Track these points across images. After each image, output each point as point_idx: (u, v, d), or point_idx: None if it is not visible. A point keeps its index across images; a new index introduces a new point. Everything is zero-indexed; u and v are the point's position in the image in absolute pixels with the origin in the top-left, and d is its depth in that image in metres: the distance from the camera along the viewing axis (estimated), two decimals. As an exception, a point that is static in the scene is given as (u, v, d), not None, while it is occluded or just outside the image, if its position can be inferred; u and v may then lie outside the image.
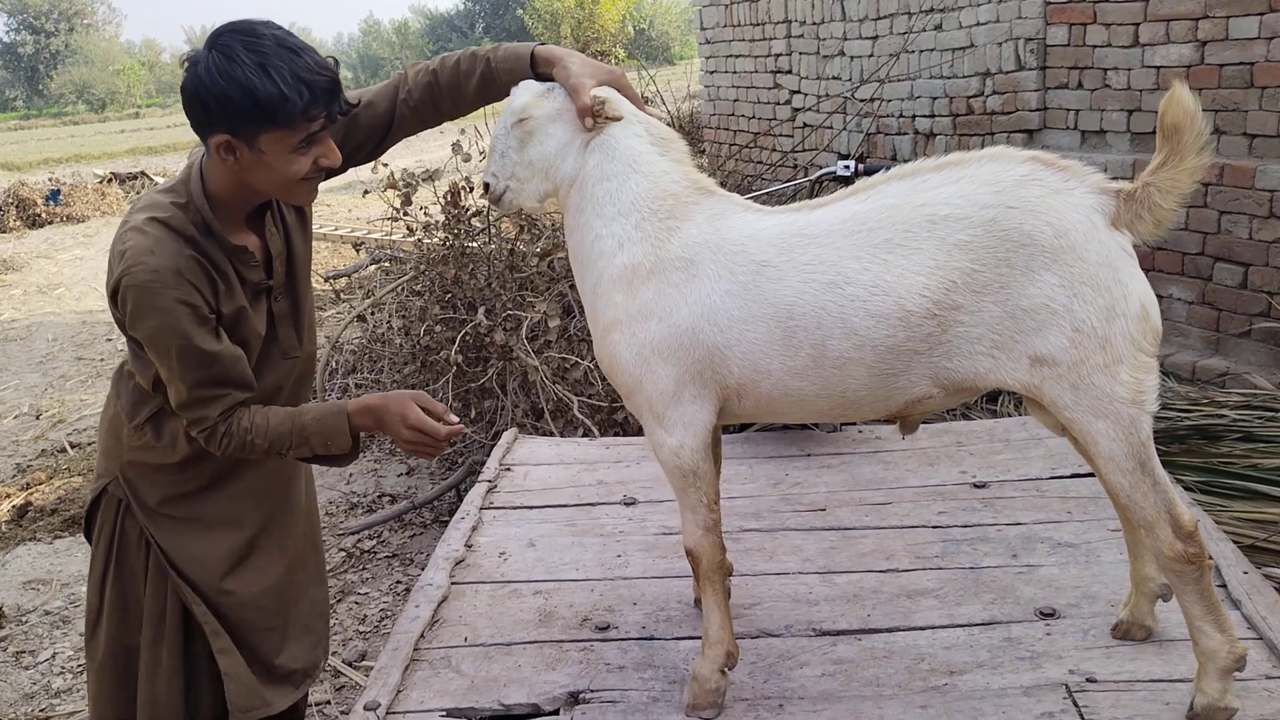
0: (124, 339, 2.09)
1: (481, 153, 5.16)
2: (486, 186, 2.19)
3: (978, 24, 6.38)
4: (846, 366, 1.93)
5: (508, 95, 2.20)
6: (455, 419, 2.15)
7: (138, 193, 17.63)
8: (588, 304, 2.15)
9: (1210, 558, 1.93)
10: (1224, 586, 2.30)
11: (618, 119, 2.09)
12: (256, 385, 2.11)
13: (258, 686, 2.17)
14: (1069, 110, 5.85)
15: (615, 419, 4.35)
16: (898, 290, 1.88)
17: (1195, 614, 1.90)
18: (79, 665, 3.79)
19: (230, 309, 2.06)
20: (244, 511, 2.21)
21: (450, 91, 2.25)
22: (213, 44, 1.90)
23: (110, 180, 17.95)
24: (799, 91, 8.45)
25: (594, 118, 2.07)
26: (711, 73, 10.01)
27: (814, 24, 8.11)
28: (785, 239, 1.97)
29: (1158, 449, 1.92)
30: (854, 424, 3.63)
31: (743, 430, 3.71)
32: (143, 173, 18.87)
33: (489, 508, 3.09)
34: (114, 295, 1.98)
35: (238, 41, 1.88)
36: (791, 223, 1.99)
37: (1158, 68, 5.35)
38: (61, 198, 16.16)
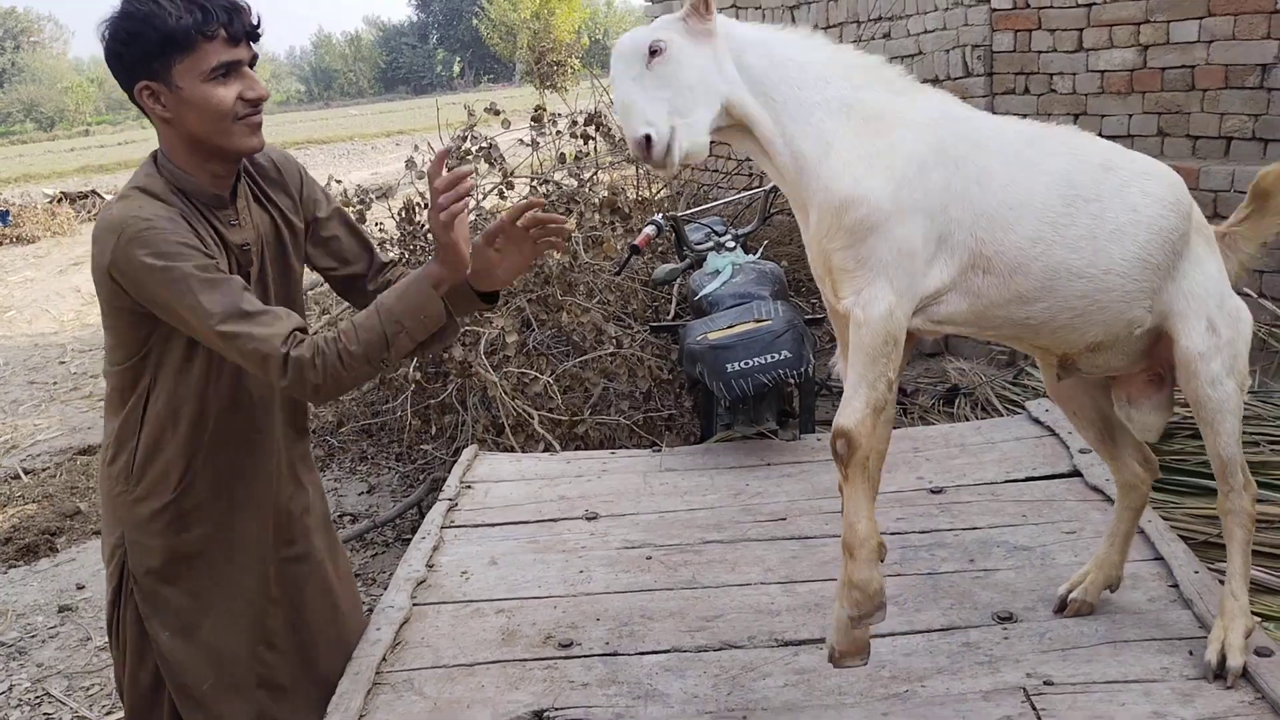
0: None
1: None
2: (648, 141, 1.78)
3: (926, 32, 6.46)
4: (1120, 238, 1.95)
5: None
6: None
7: (89, 212, 17.42)
8: (815, 190, 1.89)
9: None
10: (1175, 587, 2.34)
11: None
12: (238, 391, 2.13)
13: None
14: (1016, 115, 5.93)
15: (576, 433, 4.36)
16: (1151, 189, 2.00)
17: (1238, 571, 2.08)
18: (36, 697, 3.74)
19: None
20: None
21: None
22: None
23: (60, 200, 17.70)
24: (752, 100, 8.49)
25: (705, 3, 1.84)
26: (666, 82, 10.01)
27: (766, 33, 8.15)
28: (1027, 131, 2.05)
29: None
30: (812, 432, 3.66)
31: (701, 441, 3.72)
32: (94, 191, 18.62)
33: (450, 526, 3.08)
34: (111, 266, 1.94)
35: None
36: (1016, 125, 2.09)
37: (1102, 72, 5.44)
38: (10, 219, 15.90)
